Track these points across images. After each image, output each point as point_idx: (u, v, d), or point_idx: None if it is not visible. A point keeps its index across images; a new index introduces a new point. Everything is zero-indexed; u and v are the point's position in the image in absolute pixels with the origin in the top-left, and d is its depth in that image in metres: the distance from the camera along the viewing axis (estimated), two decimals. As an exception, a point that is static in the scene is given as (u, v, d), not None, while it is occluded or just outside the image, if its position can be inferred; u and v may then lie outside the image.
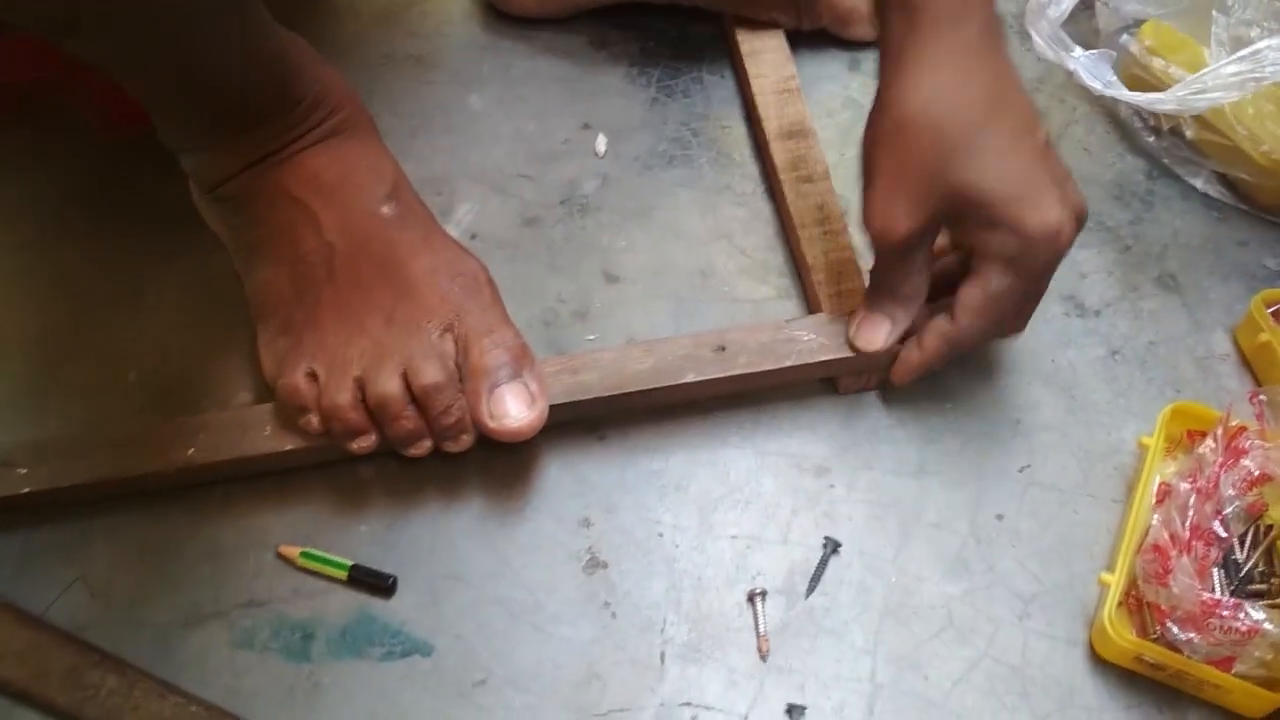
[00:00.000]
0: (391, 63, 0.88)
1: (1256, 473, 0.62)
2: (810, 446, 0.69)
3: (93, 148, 0.81)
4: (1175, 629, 0.59)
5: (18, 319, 0.74)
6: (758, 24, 0.86)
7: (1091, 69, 0.79)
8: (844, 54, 0.88)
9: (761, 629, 0.63)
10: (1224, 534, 0.62)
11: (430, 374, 0.61)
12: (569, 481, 0.68)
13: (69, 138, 0.82)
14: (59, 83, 0.76)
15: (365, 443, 0.63)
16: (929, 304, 0.66)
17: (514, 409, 0.62)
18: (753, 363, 0.67)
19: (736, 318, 0.75)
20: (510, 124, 0.84)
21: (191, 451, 0.64)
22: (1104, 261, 0.78)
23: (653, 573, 0.65)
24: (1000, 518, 0.67)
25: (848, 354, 0.67)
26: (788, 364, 0.67)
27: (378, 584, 0.64)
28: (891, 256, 0.64)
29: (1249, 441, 0.63)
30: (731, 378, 0.67)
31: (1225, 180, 0.81)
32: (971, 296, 0.63)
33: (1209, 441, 0.64)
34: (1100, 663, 0.62)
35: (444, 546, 0.65)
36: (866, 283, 0.67)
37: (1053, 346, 0.74)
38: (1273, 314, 0.71)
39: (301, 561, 0.64)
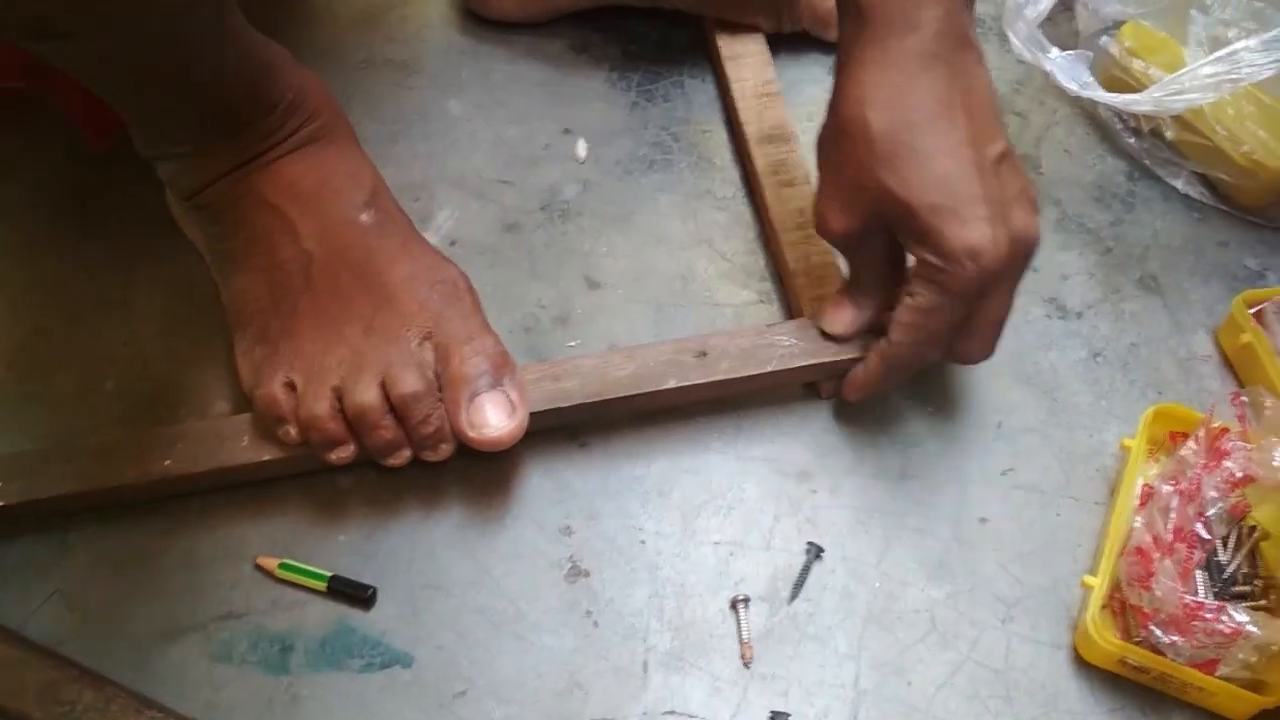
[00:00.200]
0: (370, 67, 0.87)
1: (1239, 474, 0.62)
2: (792, 452, 0.69)
3: (72, 156, 0.81)
4: (1159, 632, 0.58)
5: (-5, 327, 0.74)
6: (738, 28, 0.86)
7: (1068, 70, 0.79)
8: (824, 57, 0.88)
9: (745, 636, 0.62)
10: (1207, 536, 0.62)
11: (409, 383, 0.61)
12: (550, 489, 0.67)
13: (49, 145, 0.81)
14: (39, 90, 0.76)
15: (344, 453, 0.62)
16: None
17: (493, 418, 0.61)
18: (734, 368, 0.67)
19: (718, 323, 0.74)
20: (490, 129, 0.84)
21: (168, 463, 0.63)
22: (1085, 263, 0.78)
23: (635, 580, 0.64)
24: (983, 521, 0.67)
25: (830, 359, 0.67)
26: (769, 369, 0.67)
27: (357, 595, 0.63)
28: (842, 250, 0.65)
29: (1231, 443, 0.63)
30: (713, 383, 0.66)
31: (1206, 181, 0.81)
32: (901, 312, 0.62)
33: (1191, 443, 0.64)
34: (1084, 666, 0.62)
35: (424, 556, 0.65)
36: (847, 286, 0.68)
37: (1034, 349, 0.74)
38: (1254, 315, 0.72)
39: (280, 573, 0.64)
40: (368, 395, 0.61)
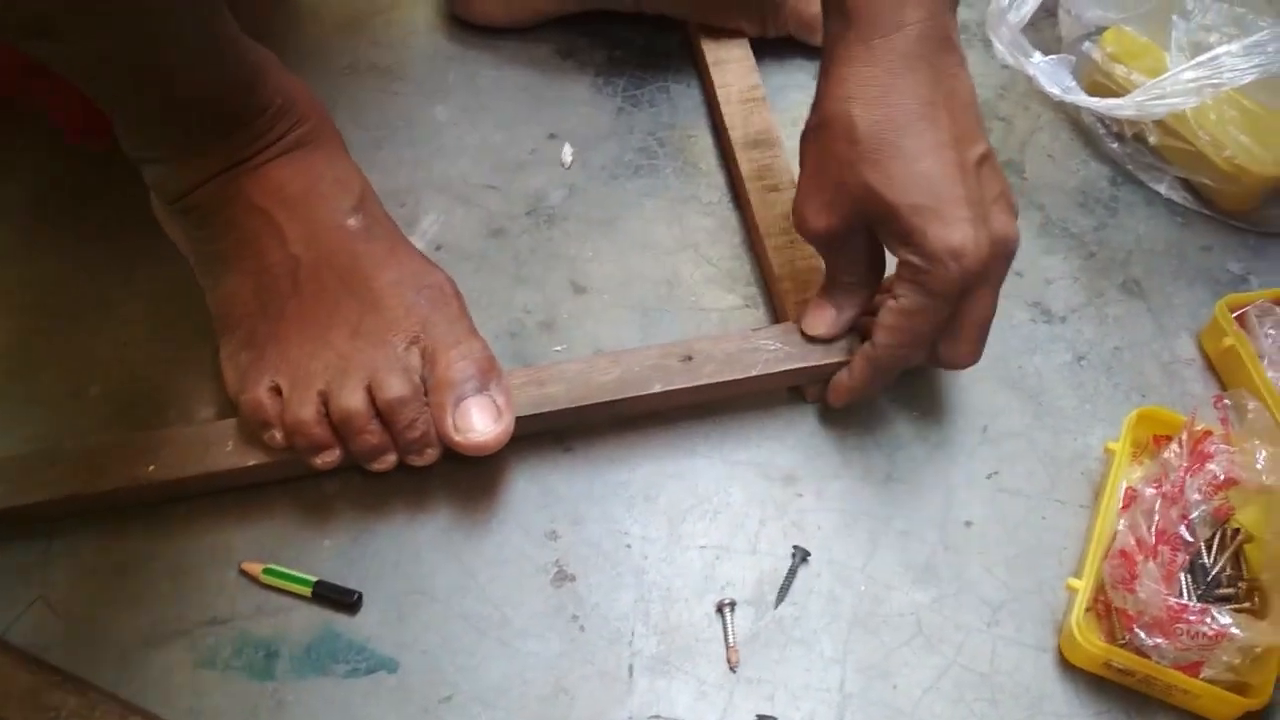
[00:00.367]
0: (355, 73, 0.87)
1: (1222, 477, 0.62)
2: (778, 456, 0.69)
3: (59, 158, 0.80)
4: (1143, 634, 0.59)
5: (-22, 332, 0.73)
6: (723, 33, 0.86)
7: (1050, 74, 0.79)
8: (809, 62, 0.88)
9: (731, 640, 0.62)
10: (1191, 539, 0.62)
11: (395, 388, 0.61)
12: (536, 494, 0.67)
13: (35, 147, 0.81)
14: (27, 92, 0.75)
15: (329, 458, 0.62)
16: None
17: (479, 423, 0.61)
18: (719, 372, 0.67)
19: (703, 327, 0.74)
20: (476, 134, 0.84)
21: (152, 468, 0.63)
22: (1069, 267, 0.78)
23: (621, 585, 0.64)
24: (969, 524, 0.67)
25: (814, 363, 0.67)
26: (754, 373, 0.67)
27: (342, 600, 0.63)
28: (822, 249, 0.65)
29: (1214, 446, 0.63)
30: (698, 387, 0.67)
31: (1188, 186, 0.82)
32: (885, 314, 0.62)
33: (1174, 446, 0.65)
34: (1069, 668, 0.62)
35: (409, 561, 0.65)
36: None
37: (1019, 352, 0.74)
38: (1237, 318, 0.72)
39: (265, 578, 0.63)
40: (353, 400, 0.61)
